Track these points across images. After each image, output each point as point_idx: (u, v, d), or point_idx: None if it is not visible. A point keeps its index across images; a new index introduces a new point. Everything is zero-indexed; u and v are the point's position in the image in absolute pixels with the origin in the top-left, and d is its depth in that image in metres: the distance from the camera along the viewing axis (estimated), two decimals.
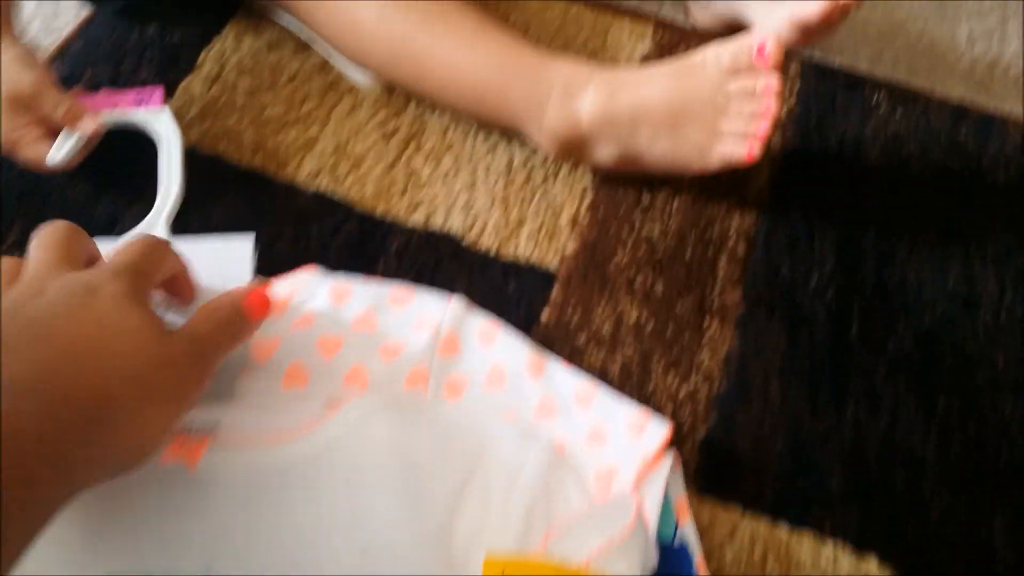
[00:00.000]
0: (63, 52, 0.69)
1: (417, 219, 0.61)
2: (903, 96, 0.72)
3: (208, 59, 0.69)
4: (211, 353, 0.36)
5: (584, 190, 0.64)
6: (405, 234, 0.60)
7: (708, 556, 0.49)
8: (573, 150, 0.61)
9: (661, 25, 0.76)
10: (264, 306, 0.40)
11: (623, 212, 0.63)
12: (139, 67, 0.68)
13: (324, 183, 0.62)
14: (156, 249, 0.38)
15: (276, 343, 0.45)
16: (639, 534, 0.41)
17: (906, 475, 0.53)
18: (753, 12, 0.69)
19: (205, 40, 0.70)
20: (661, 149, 0.58)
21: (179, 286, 0.41)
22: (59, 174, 0.60)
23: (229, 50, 0.69)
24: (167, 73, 0.67)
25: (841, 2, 0.62)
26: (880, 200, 0.66)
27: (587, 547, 0.39)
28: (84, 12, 0.72)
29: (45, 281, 0.33)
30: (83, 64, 0.67)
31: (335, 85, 0.68)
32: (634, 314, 0.58)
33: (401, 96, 0.68)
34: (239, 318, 0.38)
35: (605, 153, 0.60)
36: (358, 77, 0.67)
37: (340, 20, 0.62)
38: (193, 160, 0.61)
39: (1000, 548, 0.51)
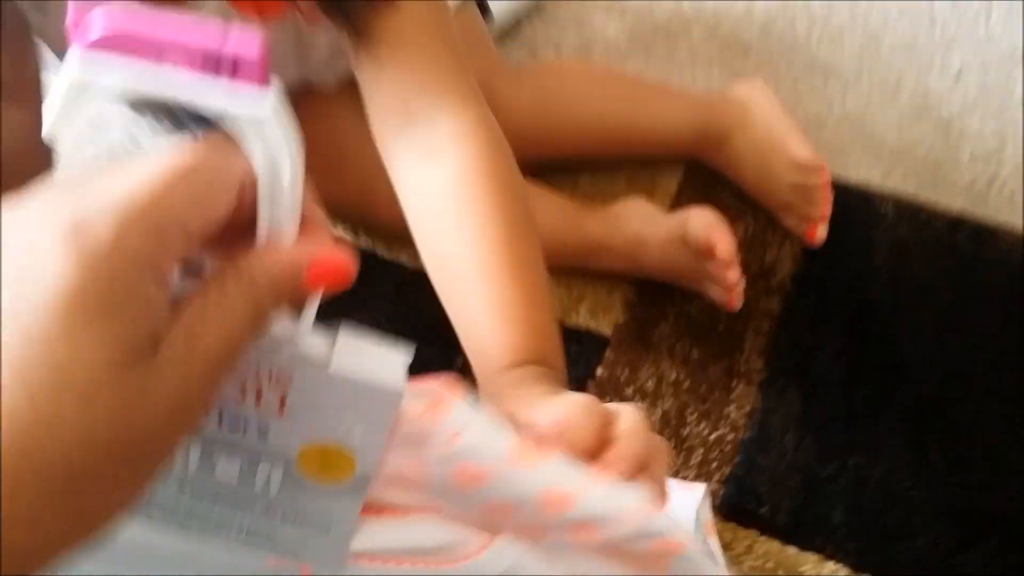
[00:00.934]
0: None
1: None
2: (909, 207, 0.85)
3: None
4: (208, 389, 0.22)
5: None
6: None
7: (727, 565, 0.60)
8: None
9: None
10: (335, 277, 0.24)
11: (667, 291, 0.76)
12: None
13: None
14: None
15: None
16: None
17: (898, 512, 0.64)
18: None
19: None
20: None
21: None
22: None
23: None
24: None
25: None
26: (885, 291, 0.78)
27: None
28: None
29: None
30: None
31: None
32: (673, 374, 0.70)
33: None
34: (276, 296, 0.23)
35: None
36: None
37: None
38: None
39: (977, 574, 0.61)
